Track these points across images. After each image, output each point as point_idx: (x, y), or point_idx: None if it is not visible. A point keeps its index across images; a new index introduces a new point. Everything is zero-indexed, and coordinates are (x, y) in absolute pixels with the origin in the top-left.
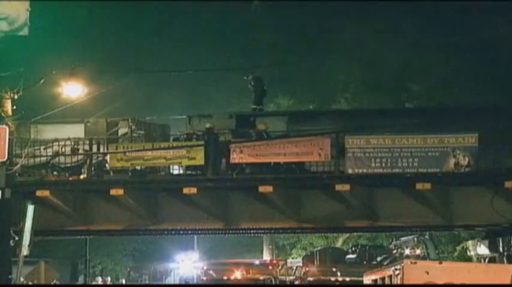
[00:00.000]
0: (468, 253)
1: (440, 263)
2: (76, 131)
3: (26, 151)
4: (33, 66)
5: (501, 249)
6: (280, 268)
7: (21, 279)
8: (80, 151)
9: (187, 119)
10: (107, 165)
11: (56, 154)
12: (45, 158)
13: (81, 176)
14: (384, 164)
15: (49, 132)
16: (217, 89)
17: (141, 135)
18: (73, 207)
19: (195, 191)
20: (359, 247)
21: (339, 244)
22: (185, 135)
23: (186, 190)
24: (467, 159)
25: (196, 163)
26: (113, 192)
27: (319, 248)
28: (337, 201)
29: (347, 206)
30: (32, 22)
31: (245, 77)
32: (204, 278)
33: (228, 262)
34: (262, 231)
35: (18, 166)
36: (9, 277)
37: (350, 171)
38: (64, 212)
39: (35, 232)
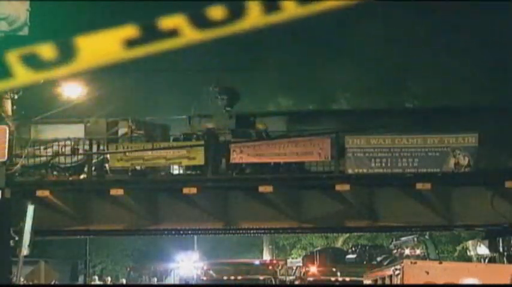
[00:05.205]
0: (468, 253)
1: (440, 263)
2: (76, 131)
3: (26, 151)
4: None
5: (501, 249)
6: (280, 268)
7: (21, 279)
8: (80, 151)
9: (187, 119)
10: (107, 165)
11: (56, 154)
12: (45, 158)
13: (81, 176)
14: (384, 164)
15: (49, 132)
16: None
17: (141, 136)
18: (73, 207)
19: (195, 191)
20: (359, 247)
21: (339, 244)
22: (185, 136)
23: (186, 190)
24: (467, 159)
25: (196, 163)
26: (113, 192)
27: (319, 248)
28: (337, 201)
29: (347, 206)
30: (32, 22)
31: (210, 88)
32: (204, 278)
33: (228, 262)
34: (262, 231)
35: (18, 166)
36: (9, 277)
37: (350, 171)
38: (64, 212)
39: (35, 232)
